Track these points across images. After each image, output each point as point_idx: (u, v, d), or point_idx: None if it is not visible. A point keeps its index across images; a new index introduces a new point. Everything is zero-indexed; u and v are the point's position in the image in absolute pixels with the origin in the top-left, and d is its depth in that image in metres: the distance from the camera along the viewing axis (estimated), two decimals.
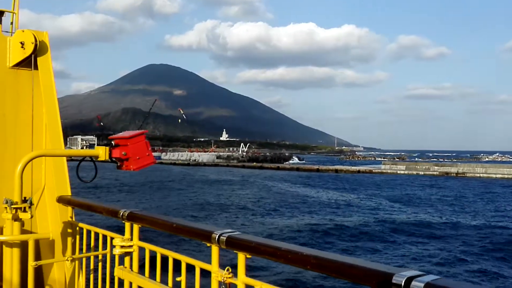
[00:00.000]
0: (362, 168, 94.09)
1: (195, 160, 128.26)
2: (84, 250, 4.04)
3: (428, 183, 63.27)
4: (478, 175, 76.79)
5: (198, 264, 2.66)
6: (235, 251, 2.32)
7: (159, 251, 3.05)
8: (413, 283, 1.57)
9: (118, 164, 3.61)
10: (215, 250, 2.49)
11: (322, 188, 55.11)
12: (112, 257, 3.47)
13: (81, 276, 4.12)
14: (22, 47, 4.42)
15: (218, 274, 2.48)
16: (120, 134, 3.70)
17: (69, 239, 4.11)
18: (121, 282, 3.37)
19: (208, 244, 2.48)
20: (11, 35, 4.61)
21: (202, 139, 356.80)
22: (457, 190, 53.71)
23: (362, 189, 54.55)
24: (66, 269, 4.20)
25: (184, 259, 2.78)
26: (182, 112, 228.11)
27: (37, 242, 4.01)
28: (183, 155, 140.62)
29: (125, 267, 3.35)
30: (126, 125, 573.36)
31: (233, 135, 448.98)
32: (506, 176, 73.35)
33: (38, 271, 4.08)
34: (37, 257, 3.99)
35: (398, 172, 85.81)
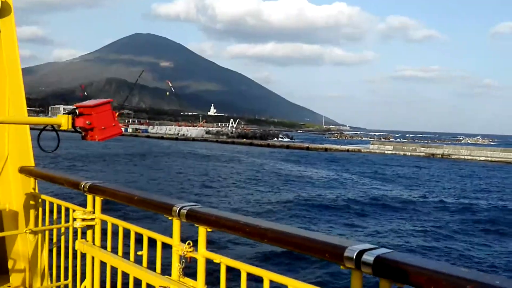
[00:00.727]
0: (351, 147, 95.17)
1: (183, 134, 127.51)
2: (47, 223, 3.95)
3: (412, 164, 64.45)
4: (463, 157, 78.51)
5: (160, 238, 2.63)
6: (196, 225, 2.31)
7: (121, 224, 2.99)
8: (364, 256, 1.62)
9: (83, 134, 3.46)
10: (176, 223, 2.49)
11: (314, 166, 55.75)
12: (75, 230, 3.37)
13: (44, 249, 4.07)
14: None
15: (179, 248, 2.47)
16: (85, 103, 3.54)
17: (32, 211, 4.01)
18: (83, 256, 3.30)
19: (170, 218, 2.46)
20: None
21: (189, 113, 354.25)
22: (443, 171, 54.96)
23: (351, 166, 55.37)
24: (29, 242, 4.08)
25: (146, 233, 2.73)
26: (170, 84, 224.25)
27: (8, 215, 4.01)
28: (171, 129, 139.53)
29: (87, 241, 3.29)
30: (110, 96, 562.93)
31: (221, 110, 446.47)
32: (490, 158, 75.19)
33: (1, 243, 4.04)
34: (0, 229, 3.97)
35: (386, 152, 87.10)
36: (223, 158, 63.80)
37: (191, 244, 2.42)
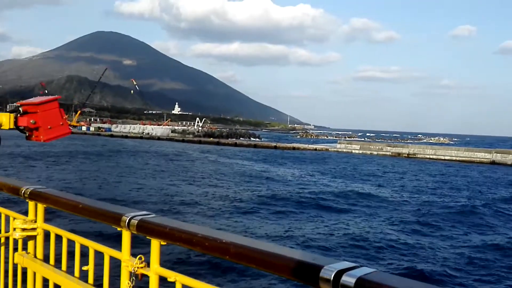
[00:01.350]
0: (318, 146, 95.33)
1: (148, 133, 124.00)
2: None
3: (380, 163, 64.99)
4: (428, 156, 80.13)
5: (107, 252, 2.36)
6: (148, 237, 2.06)
7: (65, 235, 2.72)
8: (344, 277, 1.40)
9: (27, 134, 3.12)
10: (126, 235, 2.23)
11: (284, 165, 54.87)
12: (17, 241, 3.12)
13: None
14: None
15: (128, 264, 2.22)
16: (30, 100, 3.19)
17: None
18: (24, 270, 3.02)
19: (119, 229, 2.20)
20: None
21: (153, 112, 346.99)
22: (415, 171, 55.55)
23: (320, 165, 54.93)
24: None
25: (92, 245, 2.46)
26: (135, 83, 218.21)
27: None
28: (135, 128, 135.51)
29: (29, 253, 3.02)
30: (71, 94, 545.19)
31: (186, 109, 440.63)
32: (454, 158, 77.10)
33: None
34: None
35: (353, 151, 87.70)
36: (190, 157, 61.88)
37: (143, 259, 2.17)
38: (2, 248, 3.40)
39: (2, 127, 3.05)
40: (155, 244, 2.06)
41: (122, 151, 66.58)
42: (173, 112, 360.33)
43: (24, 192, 2.95)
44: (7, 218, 3.29)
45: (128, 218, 2.12)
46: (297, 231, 20.29)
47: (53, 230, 2.87)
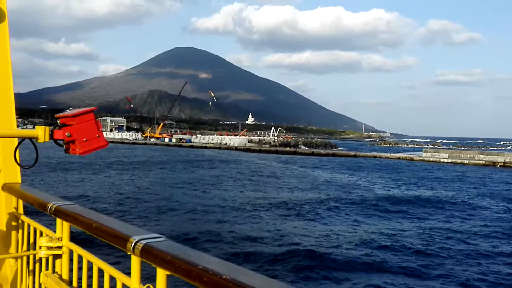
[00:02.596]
0: (402, 155, 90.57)
1: (226, 143, 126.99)
2: (24, 248, 3.54)
3: (476, 174, 59.66)
4: None
5: (119, 277, 2.24)
6: (153, 265, 1.89)
7: (86, 256, 2.64)
8: (139, 242, 1.82)
9: (65, 147, 3.10)
10: (134, 260, 2.09)
11: (371, 175, 52.55)
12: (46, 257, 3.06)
13: (24, 277, 3.60)
14: None
15: None
16: (66, 112, 3.15)
17: (14, 234, 3.73)
18: None
19: (129, 253, 2.05)
20: None
21: (228, 123, 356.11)
22: None
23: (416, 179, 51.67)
24: (10, 268, 3.82)
25: (107, 270, 2.35)
26: (213, 95, 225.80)
27: None
28: (214, 139, 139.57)
29: (54, 274, 2.95)
30: (152, 107, 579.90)
31: (259, 119, 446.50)
32: None
33: None
34: None
35: (441, 160, 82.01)
36: (273, 168, 61.78)
37: None
38: (37, 265, 3.29)
39: (38, 141, 3.02)
40: (160, 274, 1.90)
41: (209, 161, 68.33)
42: (247, 122, 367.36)
43: (50, 208, 2.90)
44: (41, 234, 3.22)
45: (134, 242, 1.99)
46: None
47: (76, 250, 2.79)
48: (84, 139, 3.04)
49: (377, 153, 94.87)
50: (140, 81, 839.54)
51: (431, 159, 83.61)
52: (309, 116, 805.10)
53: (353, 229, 23.46)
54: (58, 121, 3.08)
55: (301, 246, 19.27)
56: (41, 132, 3.00)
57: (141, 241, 1.97)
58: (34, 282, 3.32)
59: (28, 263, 3.48)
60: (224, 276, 1.51)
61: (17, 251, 3.68)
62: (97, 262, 2.50)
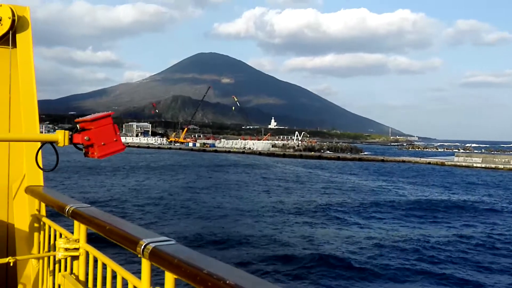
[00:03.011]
0: (432, 160, 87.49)
1: (249, 148, 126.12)
2: (46, 249, 3.58)
3: None
4: None
5: (131, 280, 2.24)
6: (162, 269, 1.88)
7: (101, 258, 2.66)
8: (148, 245, 1.85)
9: (84, 151, 3.18)
10: (144, 263, 2.07)
11: (407, 181, 50.45)
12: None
13: (45, 277, 3.64)
14: None
15: None
16: (86, 117, 3.19)
17: (36, 235, 3.85)
18: None
19: (139, 256, 2.04)
20: None
21: (251, 127, 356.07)
22: None
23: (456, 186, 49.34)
24: (32, 268, 3.89)
25: (120, 272, 2.36)
26: (236, 99, 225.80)
27: (12, 237, 4.05)
28: (237, 143, 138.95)
29: (72, 275, 3.01)
30: (176, 112, 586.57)
31: (282, 123, 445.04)
32: None
33: (11, 267, 3.84)
34: (12, 252, 3.96)
35: (474, 165, 78.67)
36: (299, 173, 60.35)
37: None
38: (57, 265, 3.33)
39: (58, 144, 3.10)
40: (169, 278, 1.89)
41: (232, 165, 67.40)
42: (269, 126, 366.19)
43: (68, 210, 2.96)
44: (60, 236, 3.27)
45: (144, 245, 1.99)
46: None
47: (92, 251, 2.82)
48: (102, 143, 3.11)
49: (406, 158, 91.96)
50: (164, 87, 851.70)
51: (463, 164, 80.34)
52: (333, 119, 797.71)
53: (384, 234, 22.27)
54: (77, 126, 3.16)
55: (330, 252, 18.53)
56: (61, 136, 3.08)
57: (151, 244, 1.96)
58: (53, 283, 3.35)
59: (48, 263, 3.54)
60: (228, 282, 1.49)
61: (39, 252, 3.76)
62: (111, 264, 2.51)
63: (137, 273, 2.13)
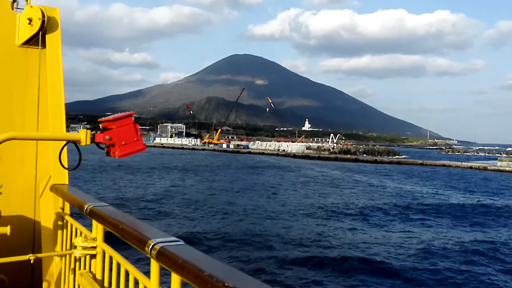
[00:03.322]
0: (474, 164, 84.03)
1: (284, 150, 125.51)
2: (68, 247, 3.59)
3: None
4: None
5: (141, 279, 2.25)
6: (168, 269, 1.88)
7: (116, 257, 2.68)
8: (156, 245, 1.89)
9: (106, 150, 3.22)
10: (153, 263, 2.07)
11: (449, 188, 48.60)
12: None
13: (67, 276, 3.65)
14: (29, 23, 4.22)
15: None
16: (108, 117, 3.22)
17: (59, 233, 3.91)
18: None
19: (148, 255, 2.04)
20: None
21: (285, 129, 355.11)
22: None
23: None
24: (55, 265, 3.92)
25: (132, 272, 2.38)
26: (270, 101, 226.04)
27: (38, 234, 4.13)
28: (271, 145, 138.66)
29: (90, 273, 3.04)
30: (210, 114, 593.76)
31: (316, 125, 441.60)
32: None
33: (37, 264, 3.94)
34: (38, 249, 4.03)
35: None
36: (333, 176, 59.36)
37: None
38: (77, 264, 3.34)
39: (80, 144, 3.14)
40: (175, 279, 1.89)
41: (267, 167, 67.11)
42: (303, 128, 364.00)
43: (86, 209, 2.98)
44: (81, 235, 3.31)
45: (152, 245, 2.00)
46: None
47: (108, 250, 2.85)
48: (123, 143, 3.13)
49: (446, 162, 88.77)
50: (198, 88, 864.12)
51: (507, 168, 76.60)
52: (369, 122, 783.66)
53: (429, 239, 21.51)
54: (100, 125, 3.18)
55: (373, 256, 18.04)
56: (83, 136, 3.11)
57: (158, 244, 1.97)
58: (74, 281, 3.39)
59: (70, 261, 3.55)
60: (226, 284, 1.49)
61: (62, 250, 3.82)
62: (124, 264, 2.53)
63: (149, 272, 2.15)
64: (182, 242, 2.00)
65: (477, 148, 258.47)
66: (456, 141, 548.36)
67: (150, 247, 2.00)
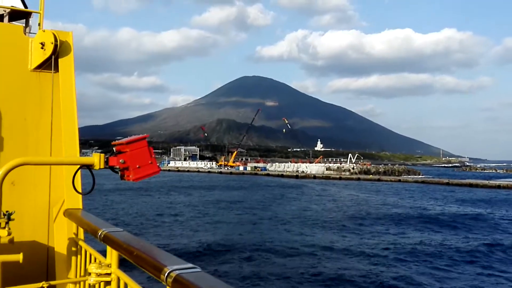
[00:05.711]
0: (502, 182, 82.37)
1: (303, 171, 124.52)
2: (82, 273, 3.53)
3: None
4: None
5: None
6: None
7: (131, 285, 2.61)
8: (172, 273, 1.87)
9: (120, 174, 3.16)
10: None
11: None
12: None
13: None
14: (42, 48, 4.25)
15: None
16: (122, 140, 3.23)
17: (73, 259, 3.86)
18: None
19: (163, 283, 2.00)
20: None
21: (298, 150, 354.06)
22: None
23: None
24: None
25: None
26: (286, 121, 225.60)
27: (52, 259, 4.04)
28: (289, 166, 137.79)
29: None
30: (221, 136, 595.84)
31: (328, 145, 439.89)
32: None
33: None
34: (52, 276, 4.00)
35: None
36: (360, 198, 58.48)
37: None
38: None
39: (94, 168, 3.08)
40: None
41: (292, 187, 65.80)
42: (316, 148, 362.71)
43: (100, 235, 2.94)
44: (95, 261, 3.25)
45: (168, 272, 1.97)
46: None
47: (123, 277, 2.78)
48: (137, 166, 3.08)
49: (473, 181, 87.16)
50: (208, 111, 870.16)
51: None
52: (380, 141, 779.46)
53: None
54: (113, 148, 3.15)
55: None
56: (96, 160, 3.07)
57: (174, 272, 1.94)
58: None
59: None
60: None
61: (76, 276, 3.75)
62: None
63: None
64: (199, 269, 1.97)
65: (494, 165, 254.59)
66: (468, 159, 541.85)
67: (166, 274, 1.96)
